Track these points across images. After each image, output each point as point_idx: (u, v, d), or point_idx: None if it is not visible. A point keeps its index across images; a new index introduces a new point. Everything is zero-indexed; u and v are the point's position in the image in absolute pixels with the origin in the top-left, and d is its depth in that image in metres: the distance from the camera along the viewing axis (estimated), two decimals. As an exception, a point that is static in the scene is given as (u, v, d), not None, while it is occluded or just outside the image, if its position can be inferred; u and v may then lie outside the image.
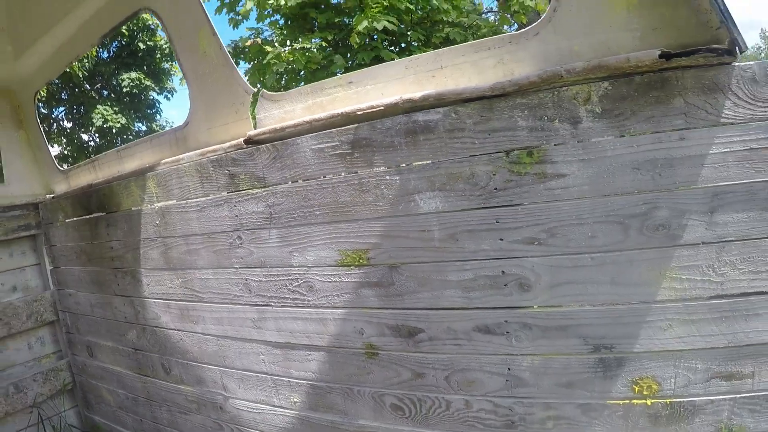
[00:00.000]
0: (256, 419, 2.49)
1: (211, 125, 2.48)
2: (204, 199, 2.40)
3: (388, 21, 8.35)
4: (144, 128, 20.98)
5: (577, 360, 1.67)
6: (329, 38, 9.36)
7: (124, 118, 19.22)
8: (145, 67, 19.81)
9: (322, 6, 9.81)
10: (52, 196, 4.09)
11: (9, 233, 4.10)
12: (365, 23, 8.28)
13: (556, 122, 1.60)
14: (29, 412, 3.91)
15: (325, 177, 1.97)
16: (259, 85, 9.14)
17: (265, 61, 8.89)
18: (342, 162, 1.93)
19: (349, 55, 9.46)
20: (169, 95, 21.12)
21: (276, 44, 9.26)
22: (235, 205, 2.28)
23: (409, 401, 1.98)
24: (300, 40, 9.12)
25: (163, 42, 19.44)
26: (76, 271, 3.67)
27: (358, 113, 1.85)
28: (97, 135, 20.18)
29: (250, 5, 8.89)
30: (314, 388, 2.21)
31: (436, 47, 10.90)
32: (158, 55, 20.00)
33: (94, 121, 18.92)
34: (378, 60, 8.84)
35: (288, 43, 9.47)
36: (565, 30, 1.61)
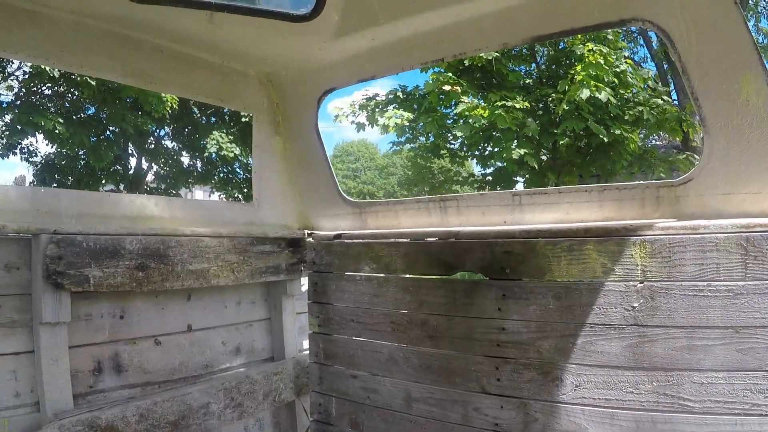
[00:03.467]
0: None
1: (732, 190, 2.24)
2: (743, 283, 2.12)
3: (610, 95, 7.31)
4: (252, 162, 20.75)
5: None
6: (516, 98, 8.44)
7: (238, 148, 19.07)
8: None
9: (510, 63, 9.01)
10: (336, 234, 3.02)
11: (255, 275, 3.04)
12: (586, 92, 7.22)
13: None
14: None
15: None
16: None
17: (456, 112, 8.01)
18: None
19: (538, 120, 8.46)
20: (285, 133, 20.95)
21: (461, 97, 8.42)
22: None
23: None
24: (490, 97, 8.23)
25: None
26: (384, 348, 2.93)
27: None
28: (201, 161, 20.13)
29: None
30: None
31: (630, 123, 9.69)
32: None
33: (209, 147, 18.79)
34: (587, 131, 7.77)
35: (470, 97, 8.61)
36: None
